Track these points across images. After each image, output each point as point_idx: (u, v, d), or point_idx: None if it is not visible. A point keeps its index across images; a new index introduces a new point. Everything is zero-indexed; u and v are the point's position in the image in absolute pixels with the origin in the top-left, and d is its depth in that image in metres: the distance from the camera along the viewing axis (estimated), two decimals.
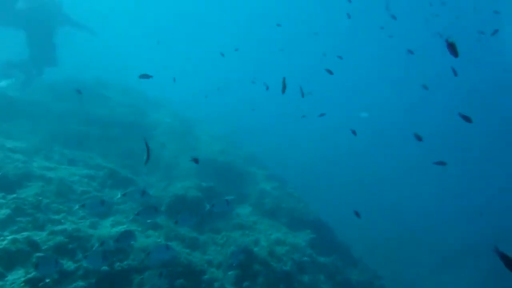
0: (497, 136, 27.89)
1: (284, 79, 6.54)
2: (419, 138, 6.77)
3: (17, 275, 4.87)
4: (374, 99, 35.35)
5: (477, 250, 15.70)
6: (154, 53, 38.80)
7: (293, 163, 20.10)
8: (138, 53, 39.44)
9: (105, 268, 5.35)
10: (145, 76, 6.06)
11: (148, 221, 6.99)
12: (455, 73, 8.80)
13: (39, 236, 5.64)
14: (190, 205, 8.42)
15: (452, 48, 4.83)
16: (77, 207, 6.38)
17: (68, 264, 5.29)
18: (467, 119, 6.20)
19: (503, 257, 2.91)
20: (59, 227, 5.97)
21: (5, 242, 5.22)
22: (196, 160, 5.25)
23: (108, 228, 6.76)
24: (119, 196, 5.55)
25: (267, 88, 7.86)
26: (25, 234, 5.53)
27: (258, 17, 41.87)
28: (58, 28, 14.07)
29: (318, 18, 32.76)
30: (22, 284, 4.68)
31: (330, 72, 8.75)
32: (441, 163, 6.89)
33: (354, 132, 8.04)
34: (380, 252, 13.66)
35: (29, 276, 4.81)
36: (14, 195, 6.48)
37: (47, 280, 4.85)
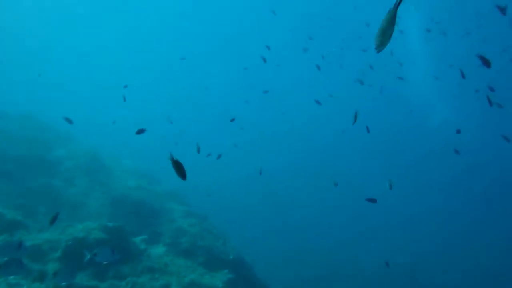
0: (407, 171, 30.91)
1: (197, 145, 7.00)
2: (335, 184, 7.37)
3: None
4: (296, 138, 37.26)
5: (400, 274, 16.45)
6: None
7: (216, 195, 19.66)
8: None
9: None
10: None
11: (11, 277, 5.88)
12: (368, 130, 9.65)
13: None
14: (92, 249, 7.44)
15: (354, 116, 5.89)
16: None
17: None
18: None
19: None
20: None
21: None
22: None
23: None
24: None
25: (141, 132, 7.32)
26: None
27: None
28: None
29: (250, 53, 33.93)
30: None
31: (248, 103, 8.92)
32: (372, 200, 7.15)
33: (260, 171, 8.16)
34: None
35: None
36: None
37: None
